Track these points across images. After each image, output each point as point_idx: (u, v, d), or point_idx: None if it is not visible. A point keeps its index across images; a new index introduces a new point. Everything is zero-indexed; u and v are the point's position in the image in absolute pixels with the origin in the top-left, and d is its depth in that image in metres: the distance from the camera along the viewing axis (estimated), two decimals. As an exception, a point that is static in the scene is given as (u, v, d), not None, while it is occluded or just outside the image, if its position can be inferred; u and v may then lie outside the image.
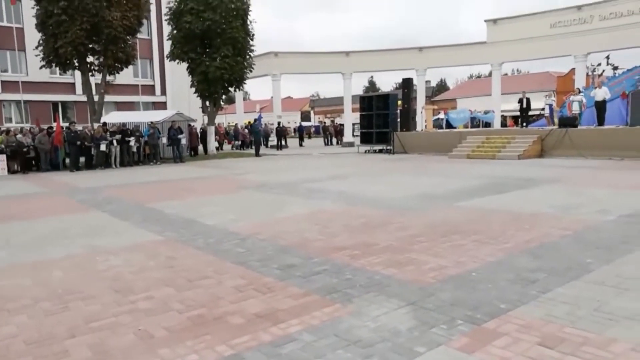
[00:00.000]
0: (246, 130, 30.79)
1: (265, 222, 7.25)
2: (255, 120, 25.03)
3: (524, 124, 21.19)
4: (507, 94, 35.84)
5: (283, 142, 29.87)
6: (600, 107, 17.78)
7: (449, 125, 32.61)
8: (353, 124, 35.14)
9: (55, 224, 7.78)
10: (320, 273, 4.62)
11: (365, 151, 23.62)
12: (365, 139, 23.93)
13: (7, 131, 18.65)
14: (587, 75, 28.07)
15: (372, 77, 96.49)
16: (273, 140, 31.93)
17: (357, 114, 33.64)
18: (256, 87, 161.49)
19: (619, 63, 27.19)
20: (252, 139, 24.86)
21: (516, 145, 17.31)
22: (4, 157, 17.00)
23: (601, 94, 17.73)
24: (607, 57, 27.67)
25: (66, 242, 6.46)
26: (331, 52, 33.60)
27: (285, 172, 15.30)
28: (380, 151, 22.87)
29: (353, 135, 33.33)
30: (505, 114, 36.97)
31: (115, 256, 5.61)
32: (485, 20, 30.05)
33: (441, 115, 35.40)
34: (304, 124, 46.06)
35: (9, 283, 4.74)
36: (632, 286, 3.93)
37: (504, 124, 35.40)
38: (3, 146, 17.38)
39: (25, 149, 17.74)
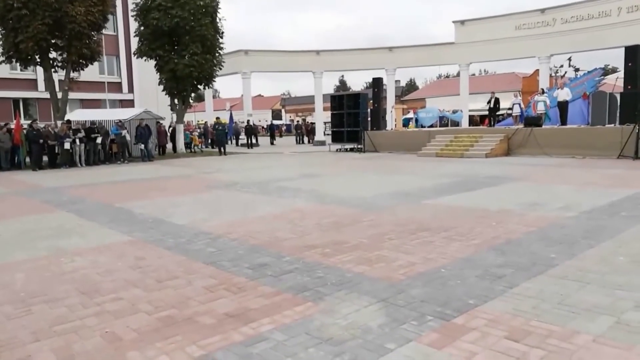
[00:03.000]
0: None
1: (236, 222, 7.19)
2: (216, 122, 24.60)
3: (493, 123, 21.67)
4: (475, 93, 36.55)
5: (254, 141, 29.68)
6: (563, 107, 18.35)
7: (418, 124, 33.04)
8: (324, 123, 35.20)
9: (17, 225, 7.53)
10: (292, 272, 4.62)
11: (337, 150, 23.71)
12: (337, 137, 24.02)
13: (-35, 129, 17.88)
14: (551, 76, 28.90)
15: (342, 76, 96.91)
16: (244, 138, 31.68)
17: (329, 113, 33.84)
18: (226, 85, 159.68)
19: (580, 65, 28.13)
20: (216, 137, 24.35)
21: (483, 144, 17.69)
22: (-40, 156, 16.34)
23: (563, 94, 18.30)
24: (569, 59, 28.57)
25: (29, 243, 6.26)
26: (302, 50, 33.52)
27: (256, 171, 15.20)
28: (352, 150, 23.00)
29: (324, 134, 33.39)
30: (473, 113, 37.70)
31: (81, 257, 5.46)
32: (454, 22, 30.55)
33: (411, 115, 35.84)
34: (275, 122, 45.93)
35: (-33, 287, 4.56)
36: (593, 280, 4.08)
37: (472, 123, 36.12)
38: (-40, 145, 16.69)
39: (-16, 148, 17.08)
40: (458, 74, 37.66)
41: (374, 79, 24.09)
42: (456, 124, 33.70)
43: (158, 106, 29.09)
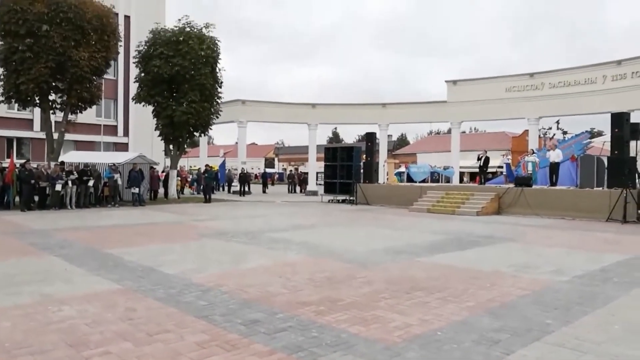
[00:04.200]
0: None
1: (227, 273, 7.11)
2: (207, 169, 24.68)
3: (483, 181, 21.98)
4: (465, 151, 37.29)
5: (246, 188, 29.73)
6: (554, 168, 18.72)
7: (410, 179, 33.40)
8: (317, 173, 35.49)
9: (2, 268, 7.37)
10: (286, 330, 4.53)
11: (329, 200, 23.79)
12: (329, 188, 24.18)
13: (-44, 166, 17.78)
14: (540, 137, 29.65)
15: (336, 128, 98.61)
16: (236, 185, 31.73)
17: (321, 163, 34.20)
18: (220, 132, 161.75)
19: (568, 127, 28.94)
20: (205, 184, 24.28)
21: (475, 202, 17.87)
22: (-50, 193, 16.13)
23: (554, 155, 18.72)
24: (557, 122, 29.45)
25: (14, 289, 6.11)
26: (298, 103, 34.32)
27: (247, 220, 15.15)
28: (344, 201, 23.09)
29: (317, 184, 33.58)
30: (463, 170, 38.30)
31: (69, 306, 5.33)
32: (446, 81, 31.59)
33: (402, 169, 36.31)
34: (268, 170, 46.17)
35: (-51, 334, 4.41)
36: (590, 349, 4.05)
37: (462, 180, 36.64)
38: (-50, 182, 16.53)
39: (-26, 186, 16.92)
40: (449, 131, 38.55)
41: (367, 133, 24.57)
42: (447, 180, 34.12)
43: (152, 151, 29.26)
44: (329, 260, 8.17)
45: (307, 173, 37.12)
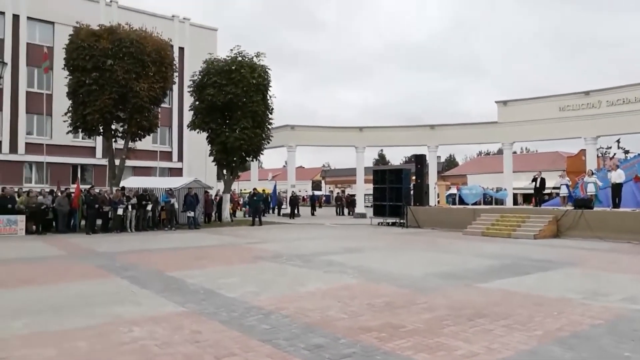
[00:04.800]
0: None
1: (286, 297, 7.20)
2: (254, 192, 25.23)
3: (539, 203, 21.23)
4: (518, 171, 36.21)
5: (296, 211, 30.04)
6: (616, 189, 17.87)
7: (461, 202, 32.72)
8: (365, 195, 35.39)
9: (76, 290, 7.77)
10: (350, 356, 4.54)
11: (378, 223, 23.63)
12: (379, 211, 24.05)
13: (28, 192, 19.03)
14: (598, 157, 28.41)
15: (382, 150, 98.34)
16: (285, 208, 32.14)
17: (368, 185, 34.11)
18: (268, 156, 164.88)
19: (630, 147, 27.60)
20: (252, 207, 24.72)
21: (531, 225, 17.27)
22: (23, 217, 17.23)
23: (616, 176, 17.89)
24: (618, 141, 28.12)
25: (87, 309, 6.44)
26: (345, 127, 34.59)
27: (300, 243, 15.28)
28: (393, 224, 22.89)
29: (365, 206, 33.47)
30: (516, 191, 37.15)
31: (139, 327, 5.56)
32: (496, 102, 30.99)
33: (454, 191, 35.65)
34: (316, 193, 46.47)
35: (34, 353, 4.70)
36: (675, 384, 3.83)
37: (516, 202, 35.52)
38: (23, 207, 17.68)
39: (44, 210, 18.00)
40: (499, 152, 37.61)
41: (417, 155, 24.38)
42: (500, 202, 33.17)
43: (205, 175, 30.16)
44: (385, 285, 8.12)
45: (354, 195, 37.10)
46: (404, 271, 9.62)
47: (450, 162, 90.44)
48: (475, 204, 31.39)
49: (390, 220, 23.31)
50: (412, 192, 23.47)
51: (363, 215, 29.94)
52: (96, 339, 5.13)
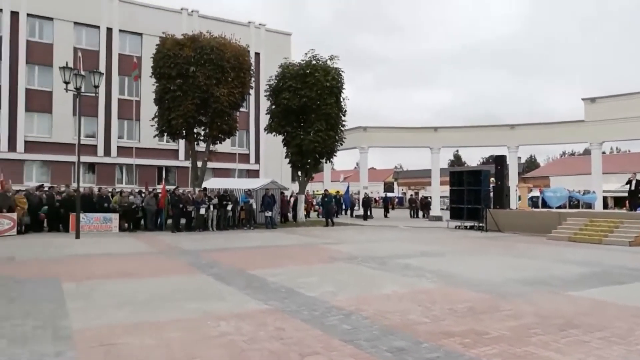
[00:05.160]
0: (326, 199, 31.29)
1: (365, 298, 7.23)
2: (325, 194, 25.46)
3: (634, 207, 19.64)
4: (608, 173, 33.74)
5: (369, 213, 29.97)
6: None
7: (544, 205, 31.01)
8: (440, 197, 34.54)
9: (166, 284, 8.28)
10: (434, 360, 4.50)
11: (456, 227, 23.00)
12: (456, 214, 23.41)
13: (121, 192, 20.51)
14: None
15: (457, 150, 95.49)
16: (358, 209, 32.16)
17: (443, 187, 33.25)
18: (340, 158, 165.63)
19: None
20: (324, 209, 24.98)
21: (626, 230, 16.04)
22: (117, 216, 18.60)
23: None
24: None
25: (178, 303, 6.84)
26: (420, 127, 34.00)
27: (374, 245, 15.24)
28: (471, 228, 22.18)
29: (441, 209, 32.68)
30: (606, 194, 34.62)
31: (225, 322, 5.84)
32: (583, 99, 29.09)
33: (536, 193, 33.87)
34: (389, 194, 46.03)
35: (135, 341, 5.08)
36: None
37: (606, 206, 33.09)
38: (116, 206, 19.08)
39: (134, 209, 19.32)
40: (585, 152, 35.24)
41: (496, 156, 23.45)
42: (588, 205, 31.08)
43: (281, 177, 30.90)
44: (465, 290, 7.92)
45: (428, 197, 36.30)
46: (484, 276, 9.32)
47: (531, 163, 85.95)
48: (559, 207, 29.61)
49: (468, 224, 22.61)
50: (491, 194, 22.61)
51: (439, 218, 29.26)
52: (187, 332, 5.45)
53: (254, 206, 21.24)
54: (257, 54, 35.55)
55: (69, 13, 29.83)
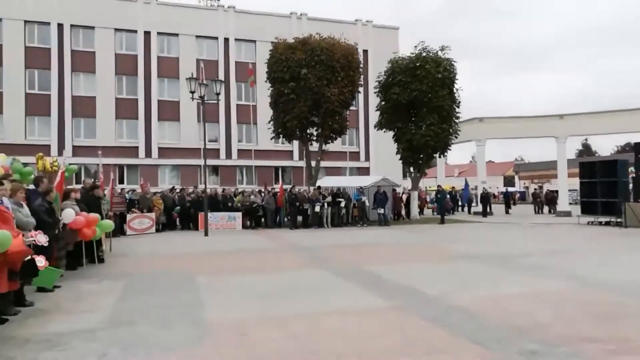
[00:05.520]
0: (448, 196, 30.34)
1: (487, 297, 6.91)
2: (439, 190, 24.59)
3: None
4: None
5: (488, 209, 28.53)
6: None
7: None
8: (568, 191, 31.76)
9: (290, 279, 8.64)
10: (573, 366, 4.16)
11: (588, 223, 21.00)
12: (588, 208, 21.35)
13: (243, 192, 21.85)
14: None
15: (586, 139, 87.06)
16: (476, 206, 30.77)
17: (571, 180, 30.49)
18: (454, 152, 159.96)
19: None
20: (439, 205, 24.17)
21: None
22: (239, 214, 19.86)
23: None
24: None
25: (301, 297, 7.10)
26: (542, 115, 31.54)
27: (495, 242, 14.48)
28: (607, 223, 20.09)
29: (569, 203, 30.03)
30: None
31: (346, 317, 5.94)
32: None
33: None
34: (509, 189, 43.40)
35: (265, 332, 5.37)
36: None
37: None
38: (239, 205, 20.36)
39: (255, 207, 20.47)
40: None
41: (636, 143, 20.89)
42: None
43: (392, 173, 30.66)
44: (602, 292, 7.21)
45: (554, 191, 33.55)
46: (624, 277, 8.39)
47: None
48: None
49: (602, 219, 20.52)
50: (630, 186, 20.28)
51: (567, 214, 26.91)
52: (311, 325, 5.64)
53: (367, 203, 21.35)
54: (365, 51, 35.60)
55: (191, 28, 32.45)
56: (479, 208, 29.27)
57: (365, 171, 35.05)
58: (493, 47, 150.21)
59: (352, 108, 30.76)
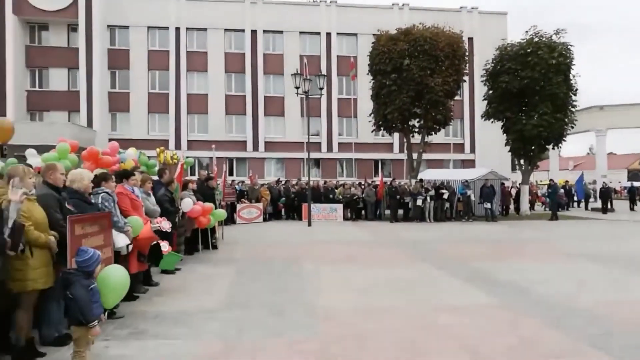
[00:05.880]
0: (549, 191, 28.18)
1: (612, 301, 6.35)
2: (550, 184, 22.66)
3: None
4: None
5: (608, 205, 26.04)
6: None
7: None
8: None
9: (390, 272, 8.60)
10: None
11: None
12: None
13: (343, 185, 22.12)
14: None
15: None
16: (594, 202, 28.23)
17: None
18: (568, 143, 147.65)
19: None
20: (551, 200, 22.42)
21: None
22: (340, 206, 20.16)
23: None
24: None
25: (403, 291, 7.05)
26: (676, 101, 28.03)
27: (617, 241, 13.18)
28: None
29: None
30: None
31: (452, 314, 5.80)
32: None
33: None
34: (635, 184, 39.15)
35: (361, 323, 5.44)
36: None
37: None
38: (340, 197, 20.66)
39: (356, 200, 20.62)
40: None
41: None
42: None
43: (500, 166, 29.15)
44: None
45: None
46: None
47: None
48: None
49: None
50: None
51: None
52: (415, 320, 5.59)
53: (472, 197, 20.50)
54: (471, 39, 34.07)
55: (295, 25, 33.33)
56: (598, 204, 26.82)
57: (470, 164, 33.68)
58: (616, 25, 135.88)
59: (456, 98, 29.68)
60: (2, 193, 4.09)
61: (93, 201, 5.51)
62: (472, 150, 34.94)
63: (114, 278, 4.17)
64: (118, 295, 4.27)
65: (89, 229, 4.65)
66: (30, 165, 5.50)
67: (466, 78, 26.42)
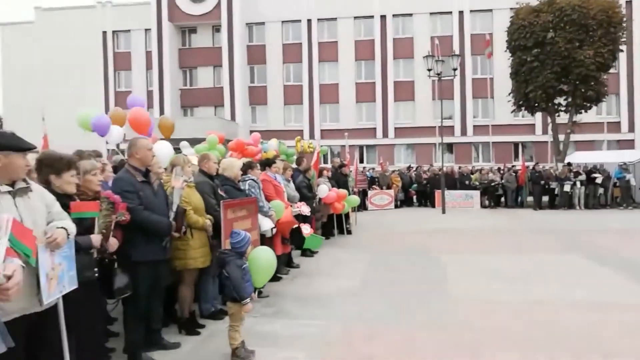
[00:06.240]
0: None
1: None
2: None
3: None
4: None
5: None
6: None
7: None
8: None
9: (532, 261, 8.00)
10: None
11: None
12: None
13: (480, 170, 21.04)
14: None
15: None
16: None
17: None
18: None
19: None
20: None
21: None
22: (477, 193, 19.22)
23: None
24: None
25: (546, 282, 6.53)
26: None
27: None
28: None
29: None
30: None
31: (611, 311, 5.23)
32: None
33: None
34: None
35: (502, 317, 5.13)
36: None
37: None
38: (477, 183, 19.70)
39: (494, 186, 19.48)
40: None
41: None
42: None
43: (667, 146, 25.37)
44: None
45: None
46: None
47: None
48: None
49: None
50: None
51: None
52: (570, 314, 5.14)
53: (632, 182, 18.08)
54: (629, 2, 29.90)
55: (425, 6, 32.29)
56: None
57: (628, 144, 29.78)
58: None
59: (611, 71, 26.40)
60: (167, 181, 4.62)
61: (242, 187, 5.97)
62: (631, 129, 30.85)
63: (263, 259, 4.48)
64: (267, 275, 4.58)
65: (239, 213, 5.05)
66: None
67: (623, 47, 23.35)
